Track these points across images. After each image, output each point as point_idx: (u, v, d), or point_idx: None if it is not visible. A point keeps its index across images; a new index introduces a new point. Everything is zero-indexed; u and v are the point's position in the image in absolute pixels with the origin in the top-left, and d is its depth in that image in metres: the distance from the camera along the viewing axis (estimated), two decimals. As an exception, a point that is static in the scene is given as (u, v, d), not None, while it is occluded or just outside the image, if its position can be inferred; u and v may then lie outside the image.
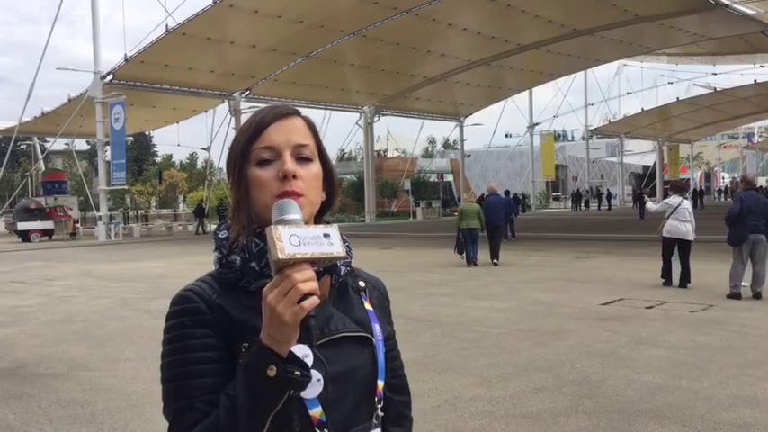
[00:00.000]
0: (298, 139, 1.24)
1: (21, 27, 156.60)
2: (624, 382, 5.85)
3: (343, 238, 1.12)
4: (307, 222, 1.15)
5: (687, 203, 11.70)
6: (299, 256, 1.03)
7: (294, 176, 1.20)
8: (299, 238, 1.05)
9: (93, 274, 15.83)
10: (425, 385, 5.82)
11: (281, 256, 1.02)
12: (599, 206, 53.41)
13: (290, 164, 1.21)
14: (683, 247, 11.38)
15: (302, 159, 1.23)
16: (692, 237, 11.37)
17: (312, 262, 1.06)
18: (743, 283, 10.19)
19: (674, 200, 11.67)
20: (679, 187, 12.74)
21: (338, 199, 1.37)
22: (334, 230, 1.10)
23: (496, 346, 7.47)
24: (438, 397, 5.58)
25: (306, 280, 1.03)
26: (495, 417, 5.09)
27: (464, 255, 15.59)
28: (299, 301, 1.02)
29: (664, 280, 11.55)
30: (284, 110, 1.28)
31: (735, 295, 10.07)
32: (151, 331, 8.19)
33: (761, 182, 49.58)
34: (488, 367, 6.47)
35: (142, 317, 9.81)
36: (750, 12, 28.19)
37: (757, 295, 10.01)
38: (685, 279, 11.30)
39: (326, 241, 1.07)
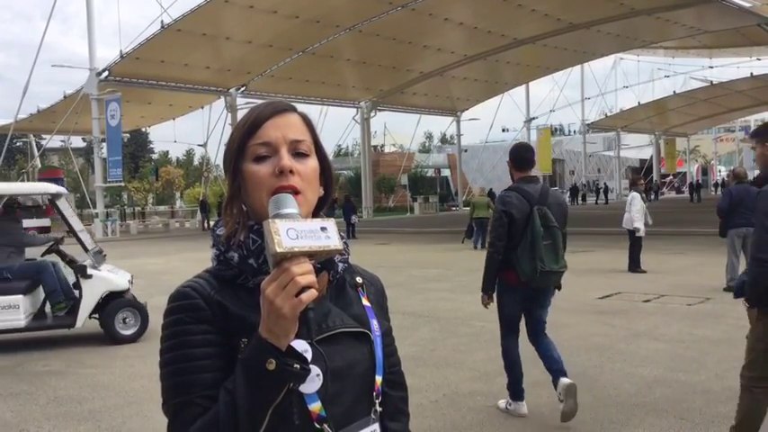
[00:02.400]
0: (294, 135, 1.23)
1: (14, 24, 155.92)
2: (622, 376, 5.87)
3: (340, 235, 1.12)
4: (304, 217, 1.15)
5: (632, 195, 12.89)
6: (296, 249, 1.03)
7: (291, 172, 1.19)
8: (296, 231, 1.04)
9: (91, 272, 15.76)
10: (423, 380, 5.83)
11: (278, 250, 1.02)
12: (596, 200, 53.49)
13: (286, 159, 1.20)
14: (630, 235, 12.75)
15: (299, 155, 1.23)
16: (629, 225, 12.54)
17: (310, 255, 1.05)
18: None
19: (629, 195, 13.10)
20: (632, 182, 14.05)
21: (335, 195, 1.37)
22: (331, 224, 1.10)
23: (494, 340, 7.42)
24: (436, 392, 5.59)
25: (304, 273, 1.03)
26: (493, 411, 5.10)
27: (471, 240, 18.31)
28: (298, 294, 1.02)
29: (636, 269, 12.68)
30: (280, 106, 1.27)
31: (731, 288, 10.08)
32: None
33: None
34: (486, 362, 6.48)
35: (140, 314, 9.77)
36: (746, 5, 28.16)
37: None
38: (632, 265, 12.65)
39: (324, 235, 1.07)
